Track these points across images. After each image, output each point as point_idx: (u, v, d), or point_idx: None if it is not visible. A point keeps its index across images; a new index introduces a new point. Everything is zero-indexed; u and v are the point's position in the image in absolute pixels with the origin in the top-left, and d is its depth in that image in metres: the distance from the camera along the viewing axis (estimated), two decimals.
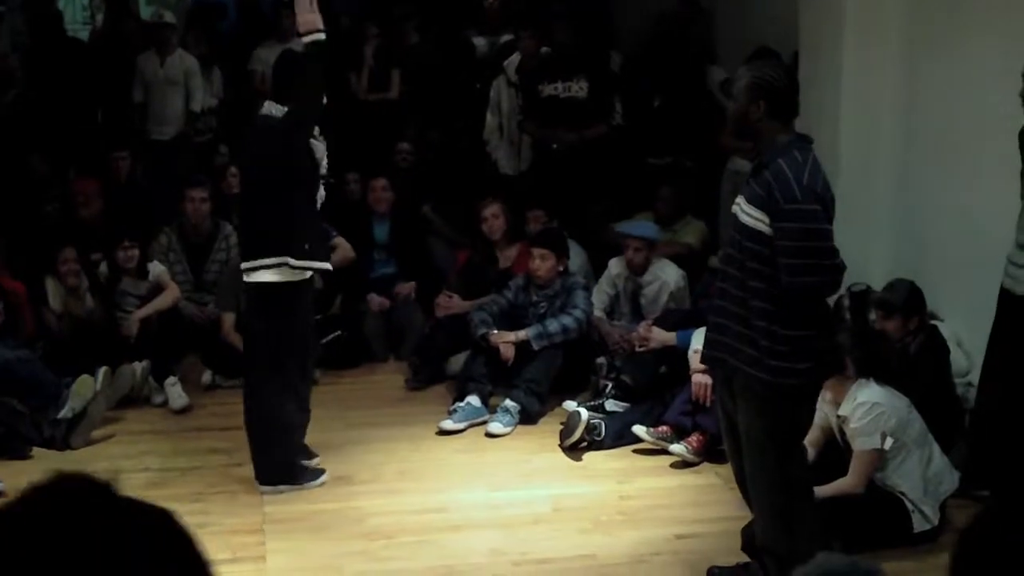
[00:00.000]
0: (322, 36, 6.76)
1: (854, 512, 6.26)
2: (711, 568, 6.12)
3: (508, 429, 8.19)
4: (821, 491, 6.33)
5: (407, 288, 10.05)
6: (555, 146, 10.46)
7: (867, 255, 8.26)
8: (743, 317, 5.37)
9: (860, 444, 6.34)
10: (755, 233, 5.29)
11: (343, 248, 10.01)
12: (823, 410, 6.62)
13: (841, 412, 6.43)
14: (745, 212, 5.35)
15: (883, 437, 6.33)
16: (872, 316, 7.53)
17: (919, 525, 6.39)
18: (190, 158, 11.93)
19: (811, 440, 6.66)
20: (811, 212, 5.21)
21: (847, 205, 8.19)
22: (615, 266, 9.05)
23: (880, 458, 6.37)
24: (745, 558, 6.00)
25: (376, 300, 9.99)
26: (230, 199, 10.61)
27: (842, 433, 6.53)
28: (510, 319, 8.80)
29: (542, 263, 8.70)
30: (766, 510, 5.58)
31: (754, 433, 5.46)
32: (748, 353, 5.34)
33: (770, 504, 5.55)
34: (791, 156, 5.28)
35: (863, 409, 6.33)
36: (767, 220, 5.24)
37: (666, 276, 8.84)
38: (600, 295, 9.02)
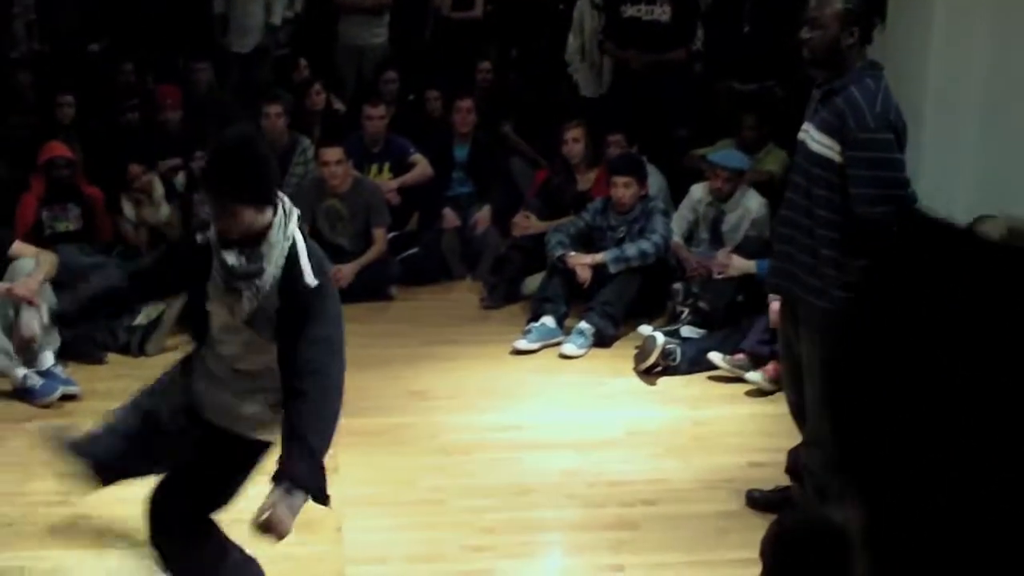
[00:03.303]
0: None
1: None
2: (750, 491, 6.12)
3: (582, 351, 8.19)
4: None
5: (484, 218, 9.99)
6: (633, 66, 10.34)
7: (950, 190, 8.13)
8: (809, 246, 5.30)
9: None
10: (825, 161, 5.21)
11: (421, 165, 10.02)
12: None
13: None
14: (815, 140, 5.26)
15: None
16: None
17: None
18: (269, 71, 11.95)
19: None
20: (884, 141, 5.12)
21: (931, 138, 8.09)
22: (697, 192, 8.96)
23: None
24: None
25: (451, 215, 9.98)
26: (312, 115, 10.64)
27: None
28: (587, 241, 8.76)
29: (626, 191, 8.64)
30: (816, 434, 5.53)
31: (815, 362, 5.41)
32: (813, 283, 5.28)
33: (821, 428, 5.49)
34: (864, 83, 5.17)
35: None
36: (838, 148, 5.15)
37: (749, 204, 8.74)
38: (680, 221, 8.94)
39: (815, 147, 5.26)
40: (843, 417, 1.30)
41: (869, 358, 1.24)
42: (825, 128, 5.22)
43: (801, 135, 5.42)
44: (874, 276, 1.30)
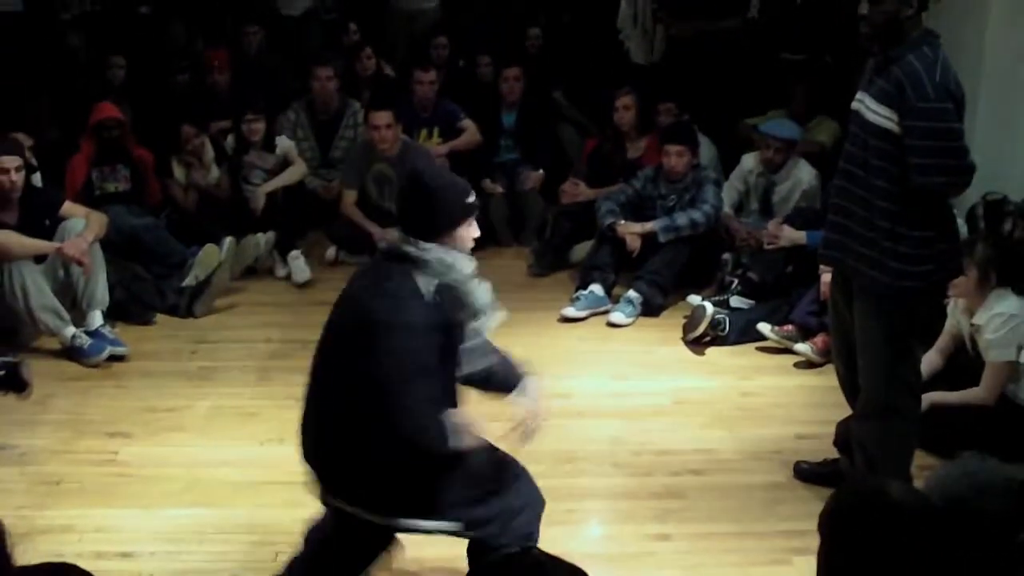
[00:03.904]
0: None
1: (982, 424, 6.12)
2: (798, 463, 6.09)
3: (630, 320, 8.16)
4: (948, 397, 6.22)
5: (534, 179, 9.97)
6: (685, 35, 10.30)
7: (1005, 163, 8.06)
8: (865, 218, 5.22)
9: (994, 356, 6.20)
10: (882, 131, 5.12)
11: (470, 131, 10.00)
12: (955, 317, 6.49)
13: (976, 321, 6.28)
14: (871, 109, 5.17)
15: (1018, 350, 6.17)
16: (1008, 226, 7.34)
17: None
18: (319, 35, 11.94)
19: (940, 347, 6.54)
20: (943, 110, 5.02)
21: (989, 110, 8.01)
22: (748, 162, 8.90)
23: (1013, 371, 6.23)
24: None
25: (489, 185, 9.94)
26: (362, 80, 10.62)
27: (973, 342, 6.39)
28: (637, 210, 8.71)
29: (679, 160, 8.57)
30: (870, 407, 5.46)
31: (871, 333, 5.34)
32: (868, 255, 5.21)
33: (875, 402, 5.42)
34: (921, 52, 5.08)
35: (999, 320, 6.17)
36: (896, 118, 5.06)
37: (800, 174, 8.68)
38: (730, 191, 8.89)
39: (872, 117, 5.17)
40: None
41: None
42: (882, 98, 5.13)
43: (856, 105, 5.34)
44: None
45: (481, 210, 9.49)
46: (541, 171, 10.01)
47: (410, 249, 4.49)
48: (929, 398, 5.96)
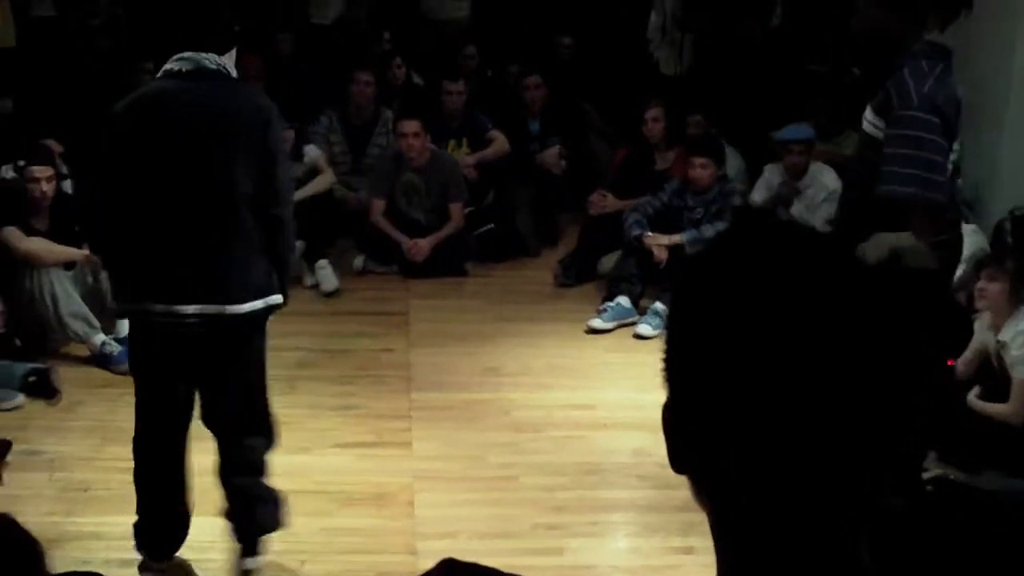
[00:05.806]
0: None
1: (1009, 439, 6.12)
2: None
3: (657, 332, 8.15)
4: (981, 405, 6.21)
5: (550, 156, 10.09)
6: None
7: None
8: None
9: (1020, 372, 6.18)
10: (873, 141, 5.08)
11: (499, 141, 10.03)
12: (983, 334, 6.47)
13: (1002, 338, 6.26)
14: (867, 120, 5.15)
15: None
16: None
17: None
18: (350, 43, 11.97)
19: (964, 360, 6.52)
20: (925, 121, 4.90)
21: (1018, 127, 7.99)
22: (770, 171, 8.93)
23: None
24: None
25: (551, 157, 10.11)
26: (393, 89, 10.66)
27: (1000, 359, 6.37)
28: (664, 221, 8.72)
29: (703, 172, 8.57)
30: None
31: None
32: None
33: None
34: (917, 64, 5.00)
35: None
36: (883, 126, 5.04)
37: (824, 180, 8.68)
38: (755, 201, 8.90)
39: (866, 127, 5.13)
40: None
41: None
42: (876, 108, 5.10)
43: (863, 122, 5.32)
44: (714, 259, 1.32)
45: (509, 220, 9.65)
46: (557, 147, 10.09)
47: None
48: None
